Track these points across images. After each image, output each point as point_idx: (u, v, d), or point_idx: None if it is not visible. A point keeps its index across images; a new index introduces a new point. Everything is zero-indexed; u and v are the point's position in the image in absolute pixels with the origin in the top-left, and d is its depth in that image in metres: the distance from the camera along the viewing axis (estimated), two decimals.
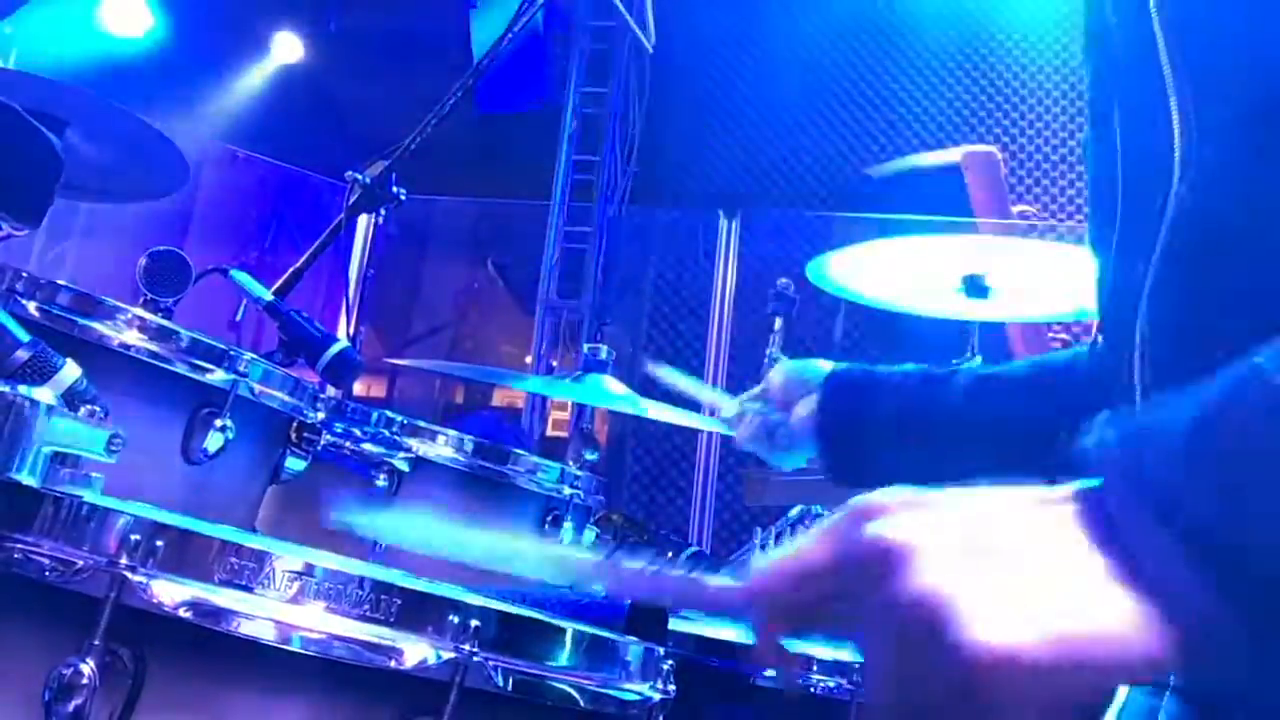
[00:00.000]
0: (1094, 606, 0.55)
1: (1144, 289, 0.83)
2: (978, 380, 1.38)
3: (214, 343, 1.59)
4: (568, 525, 2.17)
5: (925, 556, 0.56)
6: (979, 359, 2.89)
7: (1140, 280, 0.83)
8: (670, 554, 2.96)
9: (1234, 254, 0.77)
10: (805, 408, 1.47)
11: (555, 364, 5.80)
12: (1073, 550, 0.57)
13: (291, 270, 2.20)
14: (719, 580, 0.69)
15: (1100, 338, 1.00)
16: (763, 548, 2.85)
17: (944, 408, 1.35)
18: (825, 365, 1.49)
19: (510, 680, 1.11)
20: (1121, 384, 0.86)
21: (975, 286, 2.81)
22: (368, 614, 1.07)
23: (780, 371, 1.54)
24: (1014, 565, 0.56)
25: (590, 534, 2.29)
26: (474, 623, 1.09)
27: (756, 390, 1.59)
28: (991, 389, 1.35)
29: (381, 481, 1.97)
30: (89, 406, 1.19)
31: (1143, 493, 0.56)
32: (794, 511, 2.95)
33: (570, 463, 2.35)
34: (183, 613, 1.02)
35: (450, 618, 1.09)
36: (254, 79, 7.10)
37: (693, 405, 1.90)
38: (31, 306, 1.45)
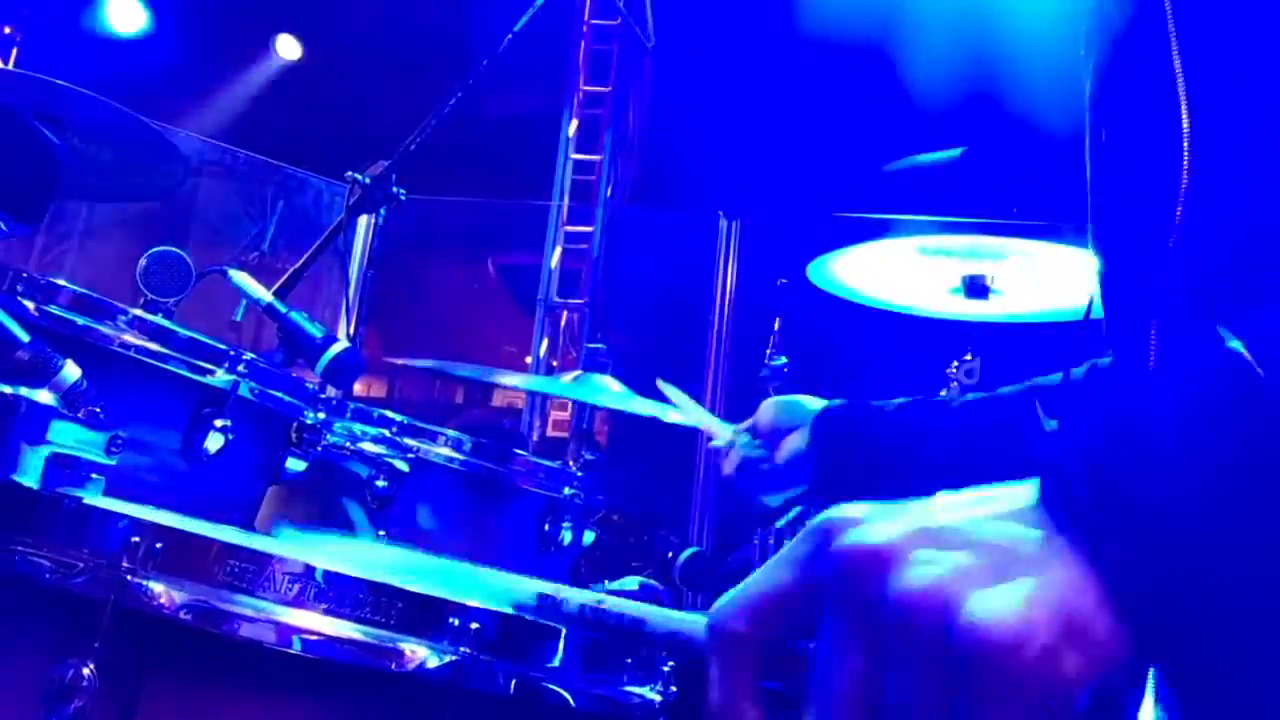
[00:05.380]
0: (1081, 592, 0.54)
1: (1155, 285, 0.81)
2: (974, 408, 1.38)
3: (214, 343, 1.58)
4: (567, 525, 2.17)
5: (910, 554, 0.55)
6: (977, 359, 2.89)
7: (1150, 276, 0.81)
8: (670, 554, 2.95)
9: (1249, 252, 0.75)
10: (794, 442, 1.47)
11: (555, 364, 5.79)
12: (1046, 540, 0.56)
13: (291, 270, 2.19)
14: (685, 618, 0.67)
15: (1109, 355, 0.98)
16: (762, 548, 2.85)
17: (942, 436, 1.34)
18: (815, 402, 1.49)
19: (510, 682, 1.11)
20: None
21: (975, 286, 2.81)
22: (368, 616, 1.06)
23: (770, 407, 1.54)
24: (998, 557, 0.55)
25: (590, 534, 2.29)
26: (474, 625, 1.09)
27: (748, 423, 1.58)
28: (990, 412, 1.34)
29: (382, 482, 1.97)
30: (89, 408, 1.18)
31: (1099, 481, 0.56)
32: (794, 512, 2.95)
33: (570, 463, 2.35)
34: (183, 615, 1.02)
35: (450, 620, 1.09)
36: (254, 79, 7.09)
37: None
38: (31, 306, 1.44)
